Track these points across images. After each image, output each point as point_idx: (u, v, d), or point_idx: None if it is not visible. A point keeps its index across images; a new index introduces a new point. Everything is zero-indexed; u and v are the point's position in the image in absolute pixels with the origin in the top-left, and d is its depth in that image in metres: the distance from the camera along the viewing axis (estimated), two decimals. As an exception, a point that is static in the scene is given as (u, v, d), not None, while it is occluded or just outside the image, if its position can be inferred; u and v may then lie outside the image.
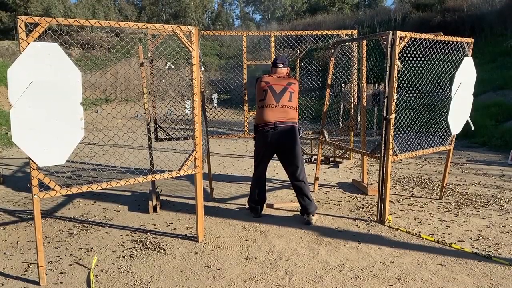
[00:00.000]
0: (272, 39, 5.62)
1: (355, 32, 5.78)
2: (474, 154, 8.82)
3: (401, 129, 5.10)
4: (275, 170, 7.28)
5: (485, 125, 10.05)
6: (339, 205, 5.29)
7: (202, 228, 4.14)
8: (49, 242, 4.14)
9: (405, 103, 5.35)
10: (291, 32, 5.83)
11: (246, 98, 5.75)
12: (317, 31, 5.79)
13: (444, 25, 15.72)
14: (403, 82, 4.79)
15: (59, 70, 3.07)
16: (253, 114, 6.22)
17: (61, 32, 3.71)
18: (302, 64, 6.85)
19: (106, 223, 4.72)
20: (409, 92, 5.06)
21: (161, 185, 6.19)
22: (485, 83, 12.01)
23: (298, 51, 7.26)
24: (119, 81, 17.98)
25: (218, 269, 3.50)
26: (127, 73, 18.09)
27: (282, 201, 5.47)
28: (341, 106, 7.41)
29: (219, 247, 3.97)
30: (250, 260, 3.68)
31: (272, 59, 4.89)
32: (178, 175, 3.92)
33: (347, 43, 5.76)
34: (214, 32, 5.92)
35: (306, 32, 5.85)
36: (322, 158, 7.99)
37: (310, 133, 6.26)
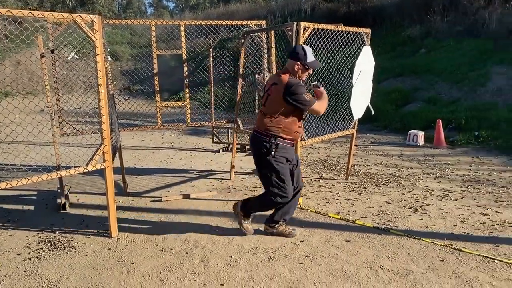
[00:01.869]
0: (182, 28, 5.57)
1: (264, 22, 5.94)
2: (377, 136, 9.53)
3: (309, 115, 5.36)
4: (192, 160, 7.29)
5: (386, 109, 10.89)
6: (254, 191, 5.45)
7: (115, 223, 4.04)
8: None
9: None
10: (200, 21, 5.82)
11: (158, 88, 5.65)
12: (226, 21, 5.85)
13: (349, 16, 16.59)
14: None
15: None
16: (166, 105, 6.15)
17: None
18: (214, 53, 6.87)
19: (9, 225, 4.40)
20: (316, 80, 5.32)
21: (70, 182, 5.89)
22: (386, 71, 12.96)
23: (211, 40, 7.27)
24: (15, 73, 16.59)
25: (133, 263, 3.46)
26: (29, 63, 16.73)
27: (200, 191, 5.49)
28: (256, 95, 7.58)
29: (133, 241, 3.91)
30: (166, 251, 3.68)
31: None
32: (86, 170, 3.78)
33: (256, 33, 5.90)
34: (120, 21, 5.70)
35: (216, 21, 5.88)
36: (239, 146, 8.13)
37: (224, 122, 6.35)
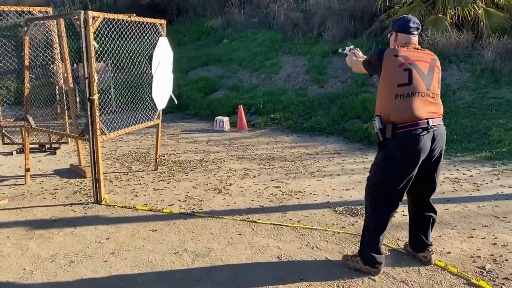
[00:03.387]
0: None
1: (50, 9, 5.44)
2: (187, 124, 9.80)
3: (121, 107, 5.17)
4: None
5: (195, 98, 11.26)
6: (55, 193, 5.03)
7: None
8: None
9: (117, 83, 5.44)
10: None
11: None
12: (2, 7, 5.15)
13: (153, 5, 16.45)
14: (109, 62, 4.85)
15: None
16: None
17: None
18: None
19: None
20: (117, 71, 5.17)
21: None
22: (193, 60, 13.35)
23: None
24: None
25: None
26: None
27: (-15, 201, 4.78)
28: (57, 90, 6.92)
29: None
30: None
31: (398, 20, 3.20)
32: None
33: (43, 21, 5.37)
34: None
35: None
36: (37, 146, 7.34)
37: (12, 120, 5.61)
